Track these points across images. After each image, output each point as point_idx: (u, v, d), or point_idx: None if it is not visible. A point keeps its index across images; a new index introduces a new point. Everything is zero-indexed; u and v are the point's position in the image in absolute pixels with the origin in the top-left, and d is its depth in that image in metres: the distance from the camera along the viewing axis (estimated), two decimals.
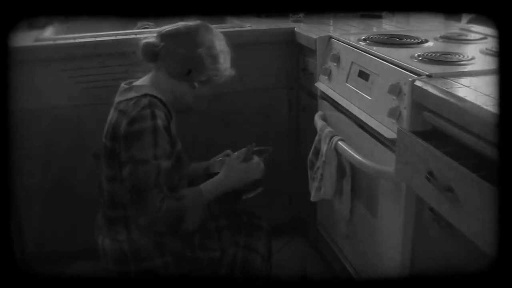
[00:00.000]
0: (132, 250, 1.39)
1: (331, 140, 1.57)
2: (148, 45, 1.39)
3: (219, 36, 1.43)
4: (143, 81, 1.43)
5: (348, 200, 1.61)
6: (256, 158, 1.51)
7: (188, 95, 1.44)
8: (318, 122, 1.72)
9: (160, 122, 1.32)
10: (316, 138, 1.69)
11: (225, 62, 1.43)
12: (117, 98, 1.41)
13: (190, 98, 1.45)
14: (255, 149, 1.55)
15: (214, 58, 1.39)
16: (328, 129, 1.62)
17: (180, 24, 1.41)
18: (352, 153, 1.46)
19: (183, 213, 1.35)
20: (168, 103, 1.40)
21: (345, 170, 1.57)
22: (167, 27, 1.40)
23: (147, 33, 1.42)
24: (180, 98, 1.43)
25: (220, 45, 1.42)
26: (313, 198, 1.75)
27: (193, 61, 1.38)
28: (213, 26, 1.45)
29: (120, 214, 1.39)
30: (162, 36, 1.39)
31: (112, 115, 1.40)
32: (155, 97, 1.36)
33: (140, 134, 1.30)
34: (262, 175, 1.52)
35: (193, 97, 1.45)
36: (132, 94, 1.37)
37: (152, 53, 1.39)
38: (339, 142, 1.54)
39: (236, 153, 1.56)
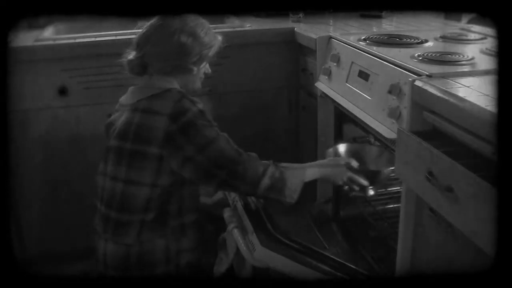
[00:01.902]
0: (138, 254, 1.37)
1: (228, 227, 1.49)
2: (131, 62, 1.38)
3: (185, 15, 1.40)
4: (150, 80, 1.40)
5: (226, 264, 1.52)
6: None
7: (191, 82, 1.43)
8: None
9: (200, 105, 1.34)
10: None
11: (206, 33, 1.39)
12: (129, 100, 1.39)
13: (196, 83, 1.45)
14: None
15: (193, 35, 1.36)
16: (228, 212, 1.53)
17: (145, 26, 1.39)
18: (239, 244, 1.40)
19: (283, 183, 1.36)
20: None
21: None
22: (136, 36, 1.39)
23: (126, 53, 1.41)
24: (186, 88, 1.43)
25: (192, 20, 1.38)
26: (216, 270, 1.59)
27: (177, 51, 1.36)
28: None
29: (134, 217, 1.36)
30: (138, 46, 1.38)
31: (129, 116, 1.36)
32: (181, 91, 1.37)
33: (192, 123, 1.31)
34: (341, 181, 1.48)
35: (199, 80, 1.45)
36: (152, 91, 1.36)
37: (138, 67, 1.38)
38: (234, 230, 1.45)
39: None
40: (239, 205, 1.48)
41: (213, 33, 1.42)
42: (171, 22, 1.36)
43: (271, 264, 1.33)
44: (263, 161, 1.38)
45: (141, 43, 1.37)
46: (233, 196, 1.55)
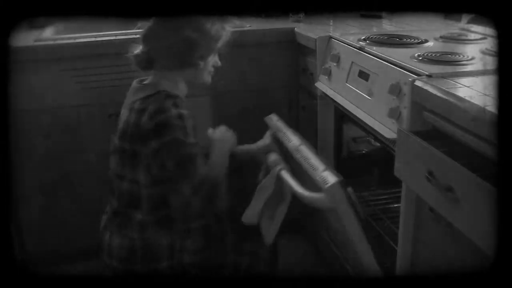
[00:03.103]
0: (143, 248, 1.37)
1: (273, 170, 1.45)
2: (137, 56, 1.37)
3: None
4: (153, 79, 1.40)
5: (277, 228, 1.52)
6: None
7: (199, 76, 1.42)
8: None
9: (183, 111, 1.33)
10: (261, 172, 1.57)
11: (213, 25, 1.37)
12: (131, 98, 1.39)
13: (204, 77, 1.43)
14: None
15: (200, 29, 1.34)
16: (274, 157, 1.50)
17: (151, 21, 1.36)
18: (292, 183, 1.36)
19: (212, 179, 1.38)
20: (183, 96, 1.41)
21: (284, 197, 1.49)
22: (143, 31, 1.37)
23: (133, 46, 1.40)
24: (194, 82, 1.42)
25: None
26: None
27: (184, 46, 1.34)
28: None
29: (139, 215, 1.37)
30: (144, 40, 1.36)
31: (127, 115, 1.37)
32: (172, 93, 1.36)
33: (167, 122, 1.30)
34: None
35: (207, 74, 1.44)
36: (148, 92, 1.36)
37: (145, 61, 1.37)
38: (282, 172, 1.42)
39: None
40: (303, 148, 1.44)
41: (220, 24, 1.39)
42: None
43: (337, 205, 1.25)
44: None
45: (148, 38, 1.36)
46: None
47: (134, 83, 1.42)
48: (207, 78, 1.44)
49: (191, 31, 1.33)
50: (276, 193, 1.48)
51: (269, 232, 1.54)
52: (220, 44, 1.40)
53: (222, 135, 1.53)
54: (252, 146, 1.63)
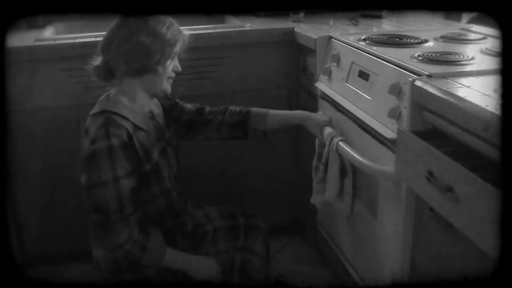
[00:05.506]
0: (126, 258, 1.35)
1: (332, 142, 1.56)
2: (97, 68, 1.36)
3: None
4: (113, 93, 1.39)
5: (349, 199, 1.61)
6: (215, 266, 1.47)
7: (158, 82, 1.38)
8: None
9: (115, 140, 1.28)
10: (317, 142, 1.68)
11: (168, 29, 1.33)
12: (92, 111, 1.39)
13: (163, 84, 1.40)
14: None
15: (153, 34, 1.31)
16: (328, 130, 1.61)
17: (108, 29, 1.35)
18: (353, 153, 1.46)
19: (139, 261, 1.35)
20: (139, 109, 1.39)
21: (346, 170, 1.57)
22: (100, 41, 1.36)
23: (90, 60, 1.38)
24: (154, 89, 1.39)
25: (152, 18, 1.33)
26: (313, 200, 1.73)
27: (138, 51, 1.31)
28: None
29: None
30: (102, 51, 1.34)
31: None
32: (114, 112, 1.32)
33: (96, 156, 1.28)
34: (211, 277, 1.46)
35: (166, 81, 1.40)
36: (96, 109, 1.35)
37: (105, 72, 1.35)
38: (340, 143, 1.53)
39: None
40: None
41: (176, 28, 1.36)
42: (131, 22, 1.32)
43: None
44: (136, 231, 1.33)
45: (105, 48, 1.34)
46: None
47: (102, 96, 1.41)
48: (167, 85, 1.41)
49: (144, 36, 1.30)
50: (338, 168, 1.54)
51: (345, 206, 1.62)
52: (178, 48, 1.37)
53: (201, 262, 1.46)
54: (287, 113, 1.69)
